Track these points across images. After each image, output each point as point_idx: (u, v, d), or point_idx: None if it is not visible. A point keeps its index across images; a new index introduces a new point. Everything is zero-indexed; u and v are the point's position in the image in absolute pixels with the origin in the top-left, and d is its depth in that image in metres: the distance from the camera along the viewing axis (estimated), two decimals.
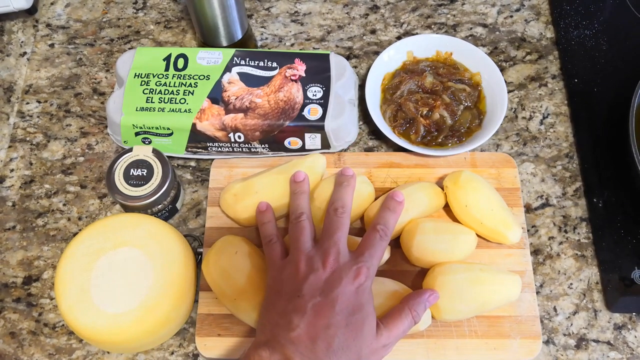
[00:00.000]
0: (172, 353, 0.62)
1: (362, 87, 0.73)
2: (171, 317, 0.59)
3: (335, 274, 0.53)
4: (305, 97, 0.68)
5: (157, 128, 0.67)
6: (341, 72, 0.70)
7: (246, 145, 0.69)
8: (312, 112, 0.67)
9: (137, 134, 0.68)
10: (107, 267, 0.59)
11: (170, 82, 0.68)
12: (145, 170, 0.64)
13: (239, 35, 0.73)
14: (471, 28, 0.81)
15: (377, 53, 0.79)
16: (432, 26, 0.82)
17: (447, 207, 0.66)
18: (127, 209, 0.65)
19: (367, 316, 0.52)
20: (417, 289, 0.61)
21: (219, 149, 0.69)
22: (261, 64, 0.70)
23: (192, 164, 0.73)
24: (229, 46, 0.73)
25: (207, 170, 0.71)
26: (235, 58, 0.70)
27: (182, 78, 0.68)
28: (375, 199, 0.66)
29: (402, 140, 0.69)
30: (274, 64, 0.70)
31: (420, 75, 0.73)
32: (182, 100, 0.67)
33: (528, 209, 0.69)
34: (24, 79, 0.79)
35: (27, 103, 0.77)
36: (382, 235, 0.57)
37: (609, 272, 0.64)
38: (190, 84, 0.68)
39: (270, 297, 0.54)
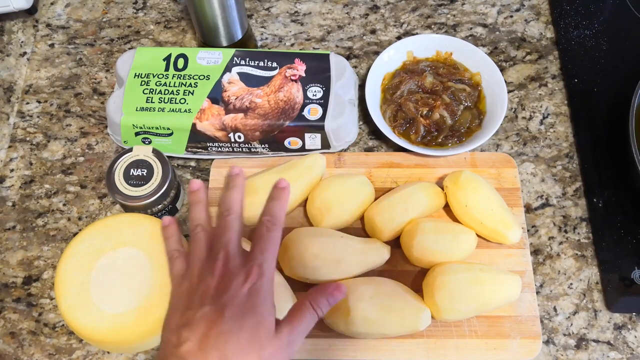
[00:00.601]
0: None
1: (362, 87, 0.73)
2: None
3: (225, 278, 0.50)
4: (305, 97, 0.68)
5: (157, 128, 0.67)
6: (341, 72, 0.70)
7: (246, 145, 0.69)
8: (312, 112, 0.67)
9: (137, 134, 0.68)
10: (107, 267, 0.59)
11: (170, 82, 0.68)
12: (145, 170, 0.64)
13: (239, 35, 0.73)
14: (471, 28, 0.81)
15: (377, 53, 0.79)
16: (432, 26, 0.82)
17: (447, 207, 0.66)
18: (127, 209, 0.65)
19: (262, 317, 0.50)
20: (417, 289, 0.61)
21: (219, 149, 0.69)
22: (261, 64, 0.70)
23: (192, 164, 0.73)
24: (229, 46, 0.73)
25: (207, 170, 0.71)
26: (235, 58, 0.70)
27: (182, 78, 0.68)
28: (376, 199, 0.66)
29: (402, 140, 0.69)
30: (274, 64, 0.70)
31: (420, 75, 0.73)
32: (182, 100, 0.67)
33: (528, 209, 0.69)
34: (24, 79, 0.79)
35: (27, 103, 0.77)
36: (269, 226, 0.53)
37: (609, 272, 0.64)
38: (190, 84, 0.68)
39: (168, 315, 0.52)
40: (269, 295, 0.51)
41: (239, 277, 0.50)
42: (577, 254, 0.66)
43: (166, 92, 0.68)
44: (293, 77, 0.69)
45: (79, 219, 0.69)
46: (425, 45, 0.75)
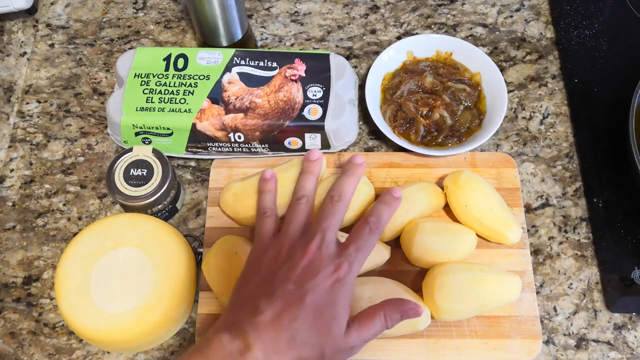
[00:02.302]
0: (172, 353, 0.62)
1: (362, 87, 0.73)
2: (171, 317, 0.59)
3: (314, 264, 0.50)
4: (305, 97, 0.68)
5: (157, 128, 0.67)
6: (341, 72, 0.70)
7: (246, 145, 0.69)
8: (312, 112, 0.67)
9: (137, 134, 0.68)
10: (107, 267, 0.59)
11: (170, 82, 0.68)
12: (145, 170, 0.64)
13: (239, 35, 0.73)
14: (471, 28, 0.81)
15: (377, 53, 0.79)
16: (432, 26, 0.82)
17: (447, 207, 0.66)
18: (127, 209, 0.65)
19: (338, 314, 0.49)
20: (417, 289, 0.61)
21: (219, 149, 0.69)
22: (261, 64, 0.70)
23: (192, 164, 0.73)
24: (229, 46, 0.73)
25: (207, 170, 0.71)
26: (235, 58, 0.70)
27: (182, 78, 0.68)
28: (376, 198, 0.66)
29: (402, 140, 0.69)
30: (274, 64, 0.70)
31: (420, 75, 0.73)
32: (182, 100, 0.67)
33: (528, 209, 0.69)
34: (24, 79, 0.79)
35: (27, 103, 0.77)
36: (373, 228, 0.53)
37: (609, 272, 0.64)
38: (190, 84, 0.68)
39: (245, 276, 0.51)
40: (349, 294, 0.51)
41: (328, 267, 0.50)
42: (577, 254, 0.66)
43: (166, 92, 0.68)
44: (293, 77, 0.69)
45: (79, 219, 0.69)
46: (425, 45, 0.75)
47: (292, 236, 0.52)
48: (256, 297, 0.48)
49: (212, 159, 0.71)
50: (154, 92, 0.67)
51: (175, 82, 0.68)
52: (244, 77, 0.69)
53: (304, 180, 0.57)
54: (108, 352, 0.62)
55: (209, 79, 0.68)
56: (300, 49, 0.80)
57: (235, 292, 0.51)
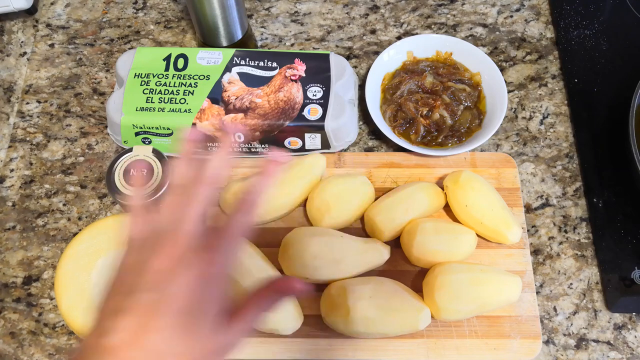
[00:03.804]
0: None
1: (362, 87, 0.73)
2: None
3: (180, 262, 0.43)
4: (305, 97, 0.68)
5: (157, 128, 0.67)
6: (341, 72, 0.70)
7: (246, 145, 0.69)
8: (312, 112, 0.67)
9: (137, 134, 0.68)
10: (107, 267, 0.59)
11: (170, 82, 0.68)
12: (145, 170, 0.64)
13: (239, 35, 0.73)
14: (471, 28, 0.81)
15: (377, 53, 0.79)
16: (432, 26, 0.82)
17: (447, 207, 0.66)
18: (127, 209, 0.65)
19: (207, 314, 0.44)
20: (417, 289, 0.61)
21: None
22: (261, 64, 0.70)
23: None
24: (229, 46, 0.73)
25: None
26: (235, 58, 0.70)
27: (182, 78, 0.68)
28: (376, 199, 0.66)
29: (402, 140, 0.69)
30: (274, 64, 0.70)
31: (420, 75, 0.73)
32: (182, 100, 0.67)
33: (528, 209, 0.69)
34: (24, 79, 0.79)
35: (27, 103, 0.77)
36: (248, 209, 0.46)
37: (609, 272, 0.64)
38: (190, 84, 0.68)
39: (109, 287, 0.44)
40: (221, 288, 0.45)
41: (194, 264, 0.43)
42: (577, 254, 0.66)
43: (166, 92, 0.68)
44: (293, 77, 0.69)
45: (79, 219, 0.69)
46: (425, 45, 0.75)
47: (157, 234, 0.45)
48: (116, 312, 0.42)
49: None
50: (154, 92, 0.67)
51: (175, 82, 0.68)
52: (244, 77, 0.69)
53: (181, 167, 0.48)
54: None
55: (209, 79, 0.68)
56: (300, 49, 0.80)
57: (97, 307, 0.43)
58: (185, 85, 0.68)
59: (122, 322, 0.40)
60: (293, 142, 0.68)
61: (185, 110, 0.67)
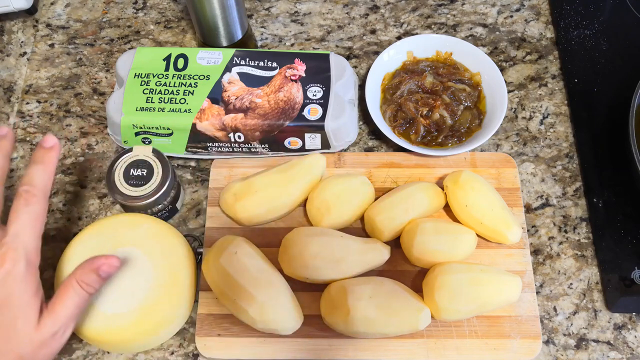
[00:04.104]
0: (172, 353, 0.62)
1: (362, 87, 0.73)
2: (171, 317, 0.59)
3: None
4: (305, 97, 0.68)
5: (157, 128, 0.67)
6: (341, 72, 0.70)
7: (246, 145, 0.69)
8: (312, 112, 0.67)
9: (137, 134, 0.68)
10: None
11: (170, 82, 0.68)
12: (145, 170, 0.64)
13: (239, 35, 0.73)
14: (471, 28, 0.81)
15: (377, 53, 0.79)
16: (432, 26, 0.82)
17: (447, 207, 0.67)
18: (127, 209, 0.65)
19: (20, 309, 0.43)
20: (417, 289, 0.61)
21: (219, 149, 0.69)
22: (261, 64, 0.70)
23: (192, 164, 0.73)
24: (229, 46, 0.73)
25: (207, 170, 0.71)
26: (235, 58, 0.70)
27: (182, 78, 0.68)
28: (376, 199, 0.66)
29: (402, 140, 0.69)
30: (274, 64, 0.70)
31: (420, 75, 0.73)
32: (182, 100, 0.67)
33: (528, 209, 0.69)
34: (24, 79, 0.79)
35: (27, 103, 0.77)
36: (28, 198, 0.45)
37: (609, 272, 0.64)
38: (190, 84, 0.68)
39: None
40: (30, 282, 0.44)
41: None
42: (577, 254, 0.66)
43: (166, 92, 0.68)
44: (293, 77, 0.69)
45: (79, 219, 0.69)
46: (425, 45, 0.75)
47: None
48: None
49: (212, 159, 0.71)
50: (154, 92, 0.67)
51: (175, 82, 0.68)
52: (244, 77, 0.69)
53: None
54: (108, 352, 0.62)
55: (209, 79, 0.68)
56: (300, 49, 0.80)
57: None
58: (185, 85, 0.68)
59: None
60: (293, 142, 0.68)
61: (185, 110, 0.67)
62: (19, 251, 0.44)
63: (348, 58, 0.79)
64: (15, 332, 0.42)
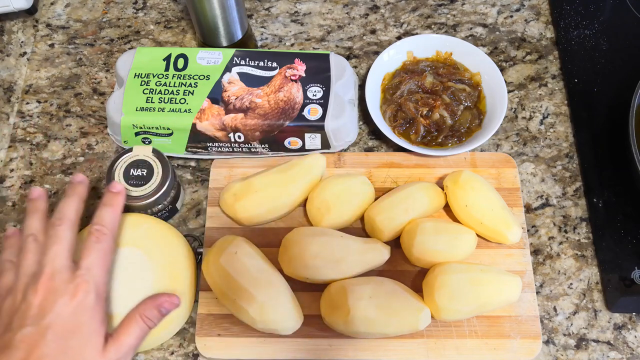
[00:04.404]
0: (172, 353, 0.62)
1: (362, 87, 0.73)
2: (171, 317, 0.59)
3: (50, 296, 0.48)
4: (305, 97, 0.68)
5: (157, 128, 0.67)
6: (341, 72, 0.70)
7: (246, 145, 0.69)
8: (312, 112, 0.67)
9: (137, 134, 0.68)
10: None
11: (170, 82, 0.68)
12: (145, 170, 0.64)
13: (239, 35, 0.73)
14: (471, 28, 0.81)
15: (377, 53, 0.79)
16: (432, 26, 0.82)
17: (447, 207, 0.67)
18: (127, 209, 0.65)
19: (89, 336, 0.48)
20: (417, 289, 0.62)
21: (219, 149, 0.69)
22: (261, 64, 0.70)
23: (192, 164, 0.73)
24: (229, 46, 0.73)
25: (207, 170, 0.71)
26: (235, 58, 0.70)
27: (182, 78, 0.68)
28: (376, 199, 0.66)
29: (402, 140, 0.69)
30: (274, 64, 0.70)
31: (420, 75, 0.73)
32: (182, 100, 0.67)
33: (528, 209, 0.69)
34: (24, 79, 0.79)
35: (27, 103, 0.77)
36: (99, 236, 0.51)
37: (609, 272, 0.64)
38: (190, 84, 0.68)
39: None
40: (97, 312, 0.50)
41: (65, 295, 0.48)
42: (577, 254, 0.66)
43: (166, 92, 0.68)
44: (293, 77, 0.69)
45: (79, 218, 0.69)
46: (425, 45, 0.75)
47: (25, 277, 0.50)
48: None
49: (212, 159, 0.71)
50: (154, 92, 0.67)
51: (175, 82, 0.68)
52: (244, 77, 0.69)
53: (29, 220, 0.53)
54: None
55: (209, 79, 0.68)
56: (300, 49, 0.80)
57: None
58: (185, 85, 0.68)
59: (8, 357, 0.45)
60: (293, 142, 0.68)
61: (185, 110, 0.67)
62: (91, 284, 0.50)
63: (348, 58, 0.79)
64: (83, 357, 0.47)
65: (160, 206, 0.65)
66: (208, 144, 0.69)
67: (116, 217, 0.54)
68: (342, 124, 0.68)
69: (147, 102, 0.67)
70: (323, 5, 0.84)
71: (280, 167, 0.67)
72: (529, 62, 0.79)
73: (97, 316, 0.50)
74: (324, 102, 0.67)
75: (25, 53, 0.81)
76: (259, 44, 0.81)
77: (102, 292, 0.51)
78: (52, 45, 0.81)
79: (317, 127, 0.67)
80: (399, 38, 0.81)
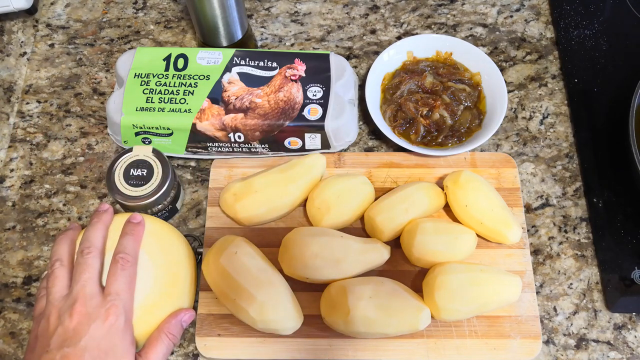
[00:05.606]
0: (172, 353, 0.62)
1: (362, 87, 0.73)
2: None
3: (83, 320, 0.52)
4: (305, 97, 0.68)
5: (157, 128, 0.67)
6: (341, 72, 0.70)
7: (246, 145, 0.69)
8: (312, 112, 0.67)
9: (137, 134, 0.68)
10: (107, 267, 0.59)
11: (170, 82, 0.68)
12: (145, 170, 0.64)
13: (239, 35, 0.73)
14: (471, 28, 0.81)
15: (377, 53, 0.79)
16: (432, 26, 0.82)
17: (447, 207, 0.67)
18: (127, 209, 0.65)
19: (121, 356, 0.53)
20: (417, 289, 0.62)
21: (219, 149, 0.69)
22: (261, 64, 0.70)
23: (192, 164, 0.73)
24: (229, 46, 0.73)
25: (207, 170, 0.71)
26: (235, 58, 0.70)
27: (182, 78, 0.68)
28: (376, 199, 0.66)
29: (402, 140, 0.69)
30: (274, 64, 0.70)
31: (420, 75, 0.73)
32: (182, 100, 0.67)
33: (528, 209, 0.69)
34: (24, 79, 0.79)
35: (27, 103, 0.77)
36: (123, 264, 0.56)
37: (609, 272, 0.64)
38: (190, 84, 0.68)
39: (28, 351, 0.54)
40: (128, 334, 0.54)
41: (98, 319, 0.53)
42: (577, 254, 0.66)
43: (166, 92, 0.68)
44: (293, 77, 0.69)
45: (79, 219, 0.69)
46: (425, 45, 0.75)
47: (55, 303, 0.55)
48: None
49: (212, 159, 0.71)
50: (154, 92, 0.67)
51: (175, 82, 0.68)
52: (244, 77, 0.69)
53: (58, 245, 0.59)
54: None
55: (209, 79, 0.68)
56: (300, 49, 0.80)
57: None
58: (185, 85, 0.68)
59: None
60: (293, 142, 0.68)
61: (185, 110, 0.67)
62: (120, 308, 0.54)
63: (348, 58, 0.79)
64: None
65: (160, 206, 0.65)
66: (208, 144, 0.69)
67: (137, 245, 0.59)
68: (342, 124, 0.68)
69: (147, 102, 0.67)
70: (323, 5, 0.84)
71: (280, 167, 0.67)
72: (529, 62, 0.79)
73: (128, 337, 0.54)
74: (324, 102, 0.67)
75: (25, 53, 0.81)
76: (259, 44, 0.81)
77: (131, 315, 0.55)
78: (52, 45, 0.81)
79: (317, 127, 0.67)
80: (399, 38, 0.81)
